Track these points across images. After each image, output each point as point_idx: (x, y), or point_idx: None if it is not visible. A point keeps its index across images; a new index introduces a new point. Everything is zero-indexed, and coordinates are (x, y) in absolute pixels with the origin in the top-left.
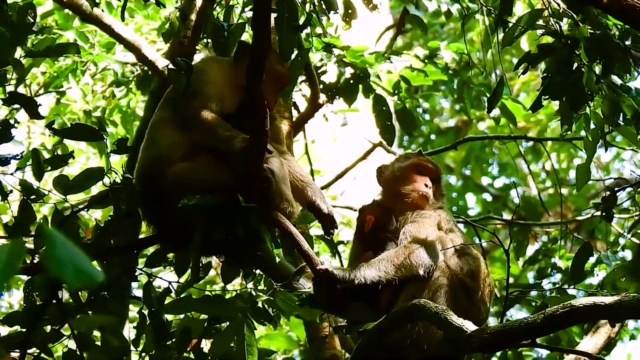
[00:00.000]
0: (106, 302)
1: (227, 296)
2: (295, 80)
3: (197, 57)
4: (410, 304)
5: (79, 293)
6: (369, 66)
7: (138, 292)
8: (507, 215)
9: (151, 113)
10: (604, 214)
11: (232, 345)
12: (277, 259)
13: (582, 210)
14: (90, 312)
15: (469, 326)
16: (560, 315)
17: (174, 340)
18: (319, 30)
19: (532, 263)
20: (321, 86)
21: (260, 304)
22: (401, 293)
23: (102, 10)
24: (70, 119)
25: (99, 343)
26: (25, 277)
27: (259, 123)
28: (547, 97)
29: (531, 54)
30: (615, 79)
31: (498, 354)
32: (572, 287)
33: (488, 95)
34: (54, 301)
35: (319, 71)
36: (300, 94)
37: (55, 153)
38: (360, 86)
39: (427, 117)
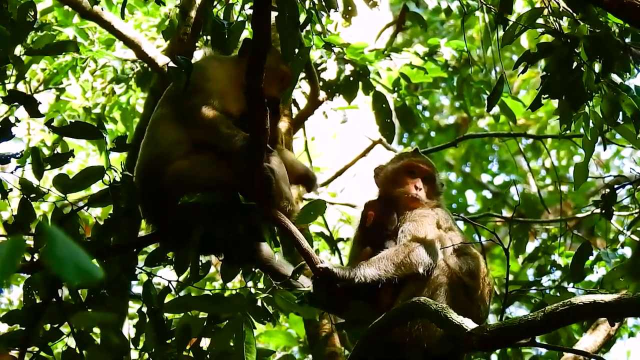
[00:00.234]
0: (106, 300)
1: (227, 294)
2: (296, 80)
3: (197, 55)
4: (409, 301)
5: (79, 291)
6: (368, 63)
7: (138, 290)
8: (506, 213)
9: (151, 110)
10: (603, 211)
11: (231, 344)
12: (276, 258)
13: (581, 208)
14: (89, 310)
15: (469, 324)
16: (560, 313)
17: (173, 338)
18: (318, 27)
19: (532, 260)
20: (321, 83)
21: (259, 303)
22: (401, 291)
23: (102, 9)
24: (70, 116)
25: (99, 342)
26: (25, 275)
27: (259, 122)
28: (546, 96)
29: (531, 53)
30: (615, 77)
31: (497, 351)
32: (572, 285)
33: (488, 92)
34: (54, 299)
35: (319, 68)
36: (300, 91)
37: (55, 151)
38: (360, 83)
39: (427, 114)
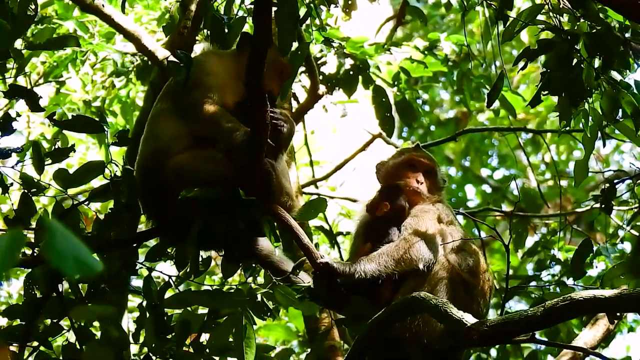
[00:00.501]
0: (106, 294)
1: (225, 288)
2: (295, 74)
3: (197, 48)
4: (409, 296)
5: (79, 286)
6: (368, 57)
7: (137, 283)
8: (506, 207)
9: (151, 103)
10: (603, 206)
11: (230, 339)
12: (277, 253)
13: (581, 202)
14: (89, 305)
15: (469, 319)
16: (560, 308)
17: (173, 333)
18: (318, 21)
19: (531, 255)
20: (321, 77)
21: (259, 298)
22: (401, 287)
23: (103, 6)
24: (70, 109)
25: (99, 337)
26: (25, 269)
27: (259, 118)
28: (546, 92)
29: (531, 49)
30: (615, 74)
31: (497, 346)
32: (572, 280)
33: (488, 87)
34: (54, 294)
35: (319, 62)
36: (300, 85)
37: (56, 145)
38: (360, 77)
39: (426, 108)
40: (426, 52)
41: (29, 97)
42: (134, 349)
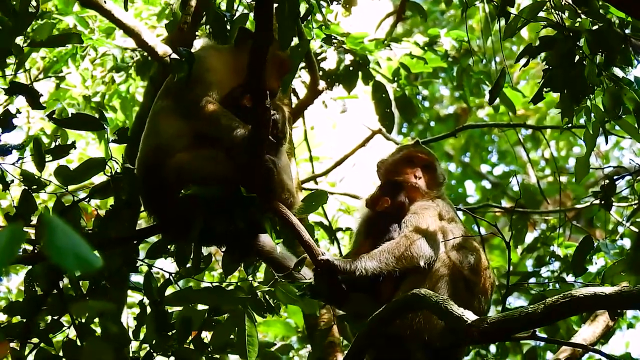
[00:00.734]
0: (107, 291)
1: (224, 284)
2: (295, 70)
3: (197, 43)
4: (410, 293)
5: (80, 283)
6: (368, 53)
7: (136, 279)
8: (506, 203)
9: (151, 99)
10: (603, 202)
11: (232, 336)
12: (278, 250)
13: (581, 199)
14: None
15: (469, 316)
16: (560, 305)
17: (174, 331)
18: (319, 16)
19: (531, 251)
20: (321, 73)
21: (260, 295)
22: (402, 284)
23: (105, 2)
24: (70, 104)
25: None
26: (24, 265)
27: (260, 115)
28: (548, 89)
29: (533, 46)
30: (617, 71)
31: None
32: (572, 276)
33: (487, 83)
34: (55, 291)
35: (319, 58)
36: (300, 81)
37: (57, 142)
38: (360, 73)
39: (426, 104)
40: (426, 48)
41: (29, 95)
42: (134, 345)
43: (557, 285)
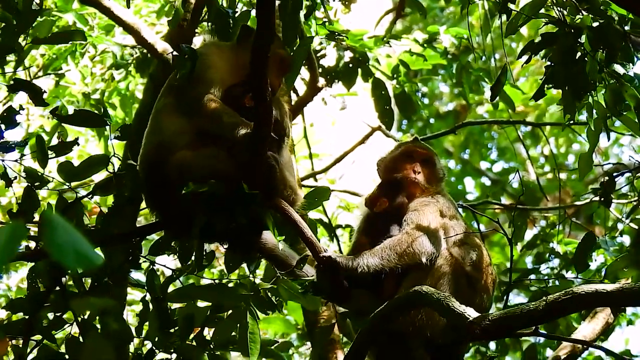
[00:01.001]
0: (109, 288)
1: (224, 281)
2: (299, 68)
3: (196, 40)
4: (412, 290)
5: (82, 280)
6: (368, 50)
7: (136, 276)
8: (505, 200)
9: (150, 96)
10: (602, 199)
11: (234, 333)
12: (280, 247)
13: (580, 195)
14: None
15: (471, 313)
16: (562, 302)
17: (177, 328)
18: (318, 14)
19: (531, 248)
20: (320, 70)
21: (263, 292)
22: (404, 281)
23: None
24: (69, 102)
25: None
26: (25, 262)
27: (261, 113)
28: (550, 86)
29: (534, 42)
30: (618, 68)
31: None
32: (571, 273)
33: (487, 80)
34: (57, 288)
35: (318, 55)
36: (299, 78)
37: (59, 138)
38: (360, 70)
39: (426, 101)
40: (425, 45)
41: (32, 91)
42: (136, 342)
43: (556, 282)
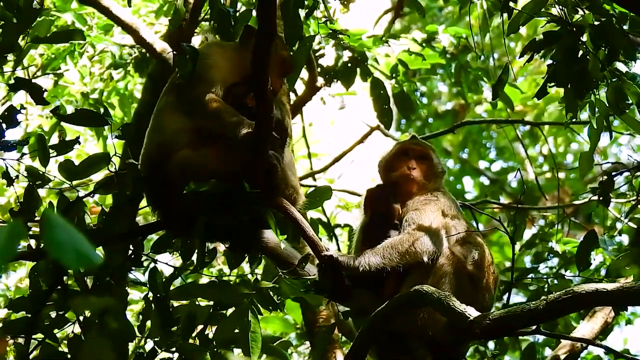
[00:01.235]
0: (110, 287)
1: (225, 278)
2: (300, 68)
3: (195, 40)
4: (412, 289)
5: (85, 279)
6: (366, 49)
7: (136, 276)
8: (504, 199)
9: (149, 95)
10: (601, 198)
11: (236, 330)
12: (282, 246)
13: (579, 195)
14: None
15: (472, 312)
16: (562, 301)
17: (179, 326)
18: (317, 13)
19: (529, 247)
20: (319, 69)
21: (265, 291)
22: (406, 280)
23: None
24: (68, 101)
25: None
26: (24, 261)
27: (263, 111)
28: (552, 84)
29: (536, 41)
30: (620, 66)
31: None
32: (570, 272)
33: (486, 79)
34: (59, 287)
35: (317, 54)
36: (298, 77)
37: (61, 138)
38: (358, 69)
39: (424, 100)
40: (424, 45)
41: (33, 90)
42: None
43: (555, 281)
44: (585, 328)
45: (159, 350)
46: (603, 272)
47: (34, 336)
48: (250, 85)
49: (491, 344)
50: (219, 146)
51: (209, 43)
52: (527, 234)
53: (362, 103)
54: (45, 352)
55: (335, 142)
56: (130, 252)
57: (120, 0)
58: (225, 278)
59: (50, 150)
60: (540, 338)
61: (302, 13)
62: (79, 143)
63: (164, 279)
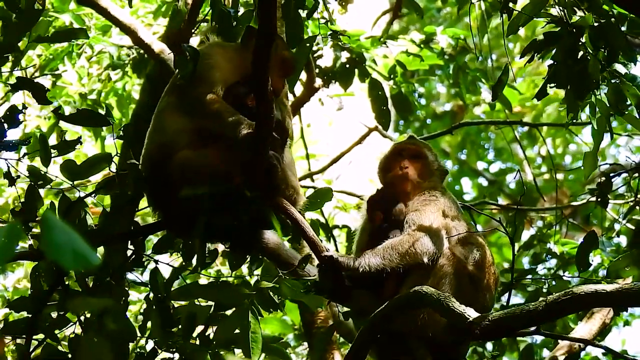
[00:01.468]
0: (111, 287)
1: (223, 279)
2: (301, 68)
3: (193, 41)
4: (412, 290)
5: (86, 279)
6: (365, 50)
7: (134, 276)
8: (502, 200)
9: (147, 96)
10: (599, 199)
11: (237, 330)
12: (285, 246)
13: (577, 196)
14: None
15: (471, 313)
16: (561, 302)
17: (180, 326)
18: (316, 14)
19: (528, 248)
20: (317, 70)
21: (266, 291)
22: (406, 281)
23: None
24: (66, 102)
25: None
26: (22, 262)
27: (263, 112)
28: (552, 85)
29: (537, 42)
30: (620, 67)
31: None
32: (568, 273)
33: (484, 80)
34: (60, 287)
35: (315, 55)
36: None
37: (62, 138)
38: (356, 70)
39: (423, 101)
40: (422, 46)
41: (35, 90)
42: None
43: (553, 282)
44: (583, 329)
45: (159, 351)
46: (601, 273)
47: (34, 336)
48: (251, 86)
49: (489, 345)
50: (220, 146)
51: (211, 43)
52: (526, 235)
53: (360, 104)
54: (46, 352)
55: (333, 143)
56: (131, 252)
57: (118, 1)
58: (224, 279)
59: (52, 151)
60: (539, 339)
61: (302, 14)
62: (81, 143)
63: (165, 280)
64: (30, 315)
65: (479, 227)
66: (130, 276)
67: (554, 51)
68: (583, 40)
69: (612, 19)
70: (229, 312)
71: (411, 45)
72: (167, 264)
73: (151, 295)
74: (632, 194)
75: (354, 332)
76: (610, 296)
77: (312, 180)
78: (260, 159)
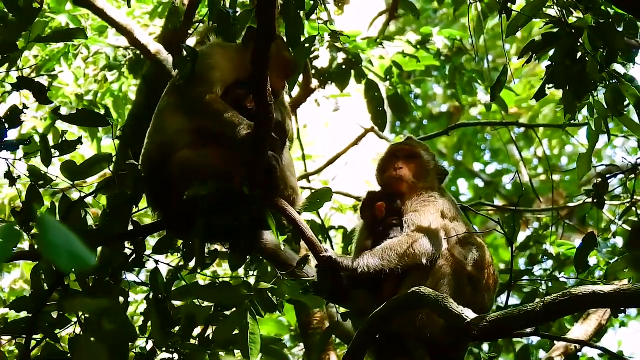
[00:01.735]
0: (110, 287)
1: (219, 279)
2: (301, 68)
3: (189, 41)
4: (410, 291)
5: (87, 279)
6: (361, 51)
7: (133, 277)
8: (498, 201)
9: (143, 97)
10: (595, 200)
11: (236, 331)
12: (283, 247)
13: (574, 197)
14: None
15: (469, 314)
16: (559, 303)
17: (179, 327)
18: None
19: (524, 249)
20: (313, 71)
21: (265, 292)
22: (404, 281)
23: None
24: (62, 103)
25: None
26: (18, 263)
27: (262, 112)
28: (551, 86)
29: (535, 42)
30: (619, 68)
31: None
32: (564, 274)
33: (480, 81)
34: (60, 287)
35: (312, 56)
36: None
37: (63, 139)
38: (353, 71)
39: (419, 102)
40: (419, 47)
41: (35, 89)
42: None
43: (549, 284)
44: (580, 330)
45: (159, 351)
46: (597, 274)
47: (35, 336)
48: (250, 86)
49: (485, 346)
50: (220, 146)
51: (211, 43)
52: (522, 236)
53: (356, 105)
54: (46, 352)
55: (329, 144)
56: (130, 252)
57: (114, 2)
58: (222, 279)
59: (53, 151)
60: (535, 340)
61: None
62: (81, 143)
63: (165, 280)
64: (30, 315)
65: (476, 229)
66: (129, 277)
67: (552, 52)
68: (582, 40)
69: (610, 20)
70: (228, 313)
71: (407, 46)
72: (167, 264)
73: (151, 295)
74: (628, 195)
75: (352, 333)
76: (608, 297)
77: (309, 182)
78: (260, 159)
